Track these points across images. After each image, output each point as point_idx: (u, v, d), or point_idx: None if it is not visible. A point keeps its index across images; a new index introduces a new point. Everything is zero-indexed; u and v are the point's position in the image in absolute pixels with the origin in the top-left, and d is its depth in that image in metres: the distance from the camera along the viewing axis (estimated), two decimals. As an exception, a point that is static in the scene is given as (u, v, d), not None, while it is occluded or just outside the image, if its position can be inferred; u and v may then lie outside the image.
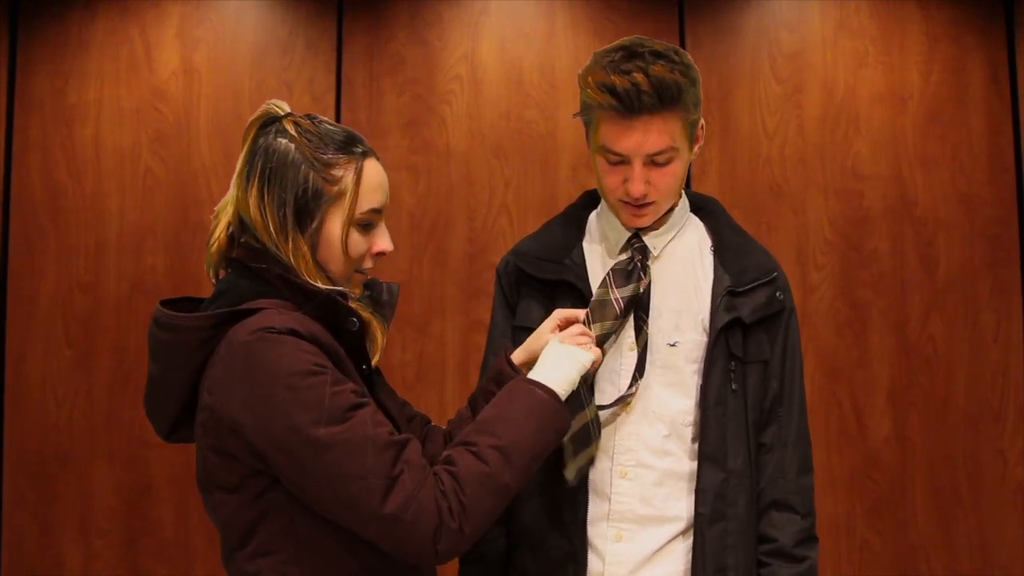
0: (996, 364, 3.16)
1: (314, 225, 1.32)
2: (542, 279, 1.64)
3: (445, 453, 1.29)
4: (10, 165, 3.24)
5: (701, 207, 1.72)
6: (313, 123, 1.36)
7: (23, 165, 3.24)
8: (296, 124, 1.35)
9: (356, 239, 1.35)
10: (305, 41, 3.28)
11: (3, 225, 3.22)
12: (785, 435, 1.63)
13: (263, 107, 1.39)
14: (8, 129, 3.25)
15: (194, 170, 3.21)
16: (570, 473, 1.52)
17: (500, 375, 1.50)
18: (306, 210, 1.32)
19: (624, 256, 1.63)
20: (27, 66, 3.27)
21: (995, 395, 3.15)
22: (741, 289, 1.59)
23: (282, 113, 1.38)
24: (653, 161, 1.52)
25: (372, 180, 1.36)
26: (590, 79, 1.52)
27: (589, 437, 1.52)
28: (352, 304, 1.34)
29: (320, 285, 1.31)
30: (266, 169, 1.33)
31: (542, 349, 1.49)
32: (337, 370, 1.25)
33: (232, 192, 1.37)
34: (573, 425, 1.49)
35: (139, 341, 3.16)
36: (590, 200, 1.75)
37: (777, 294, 1.62)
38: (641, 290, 1.57)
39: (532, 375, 1.41)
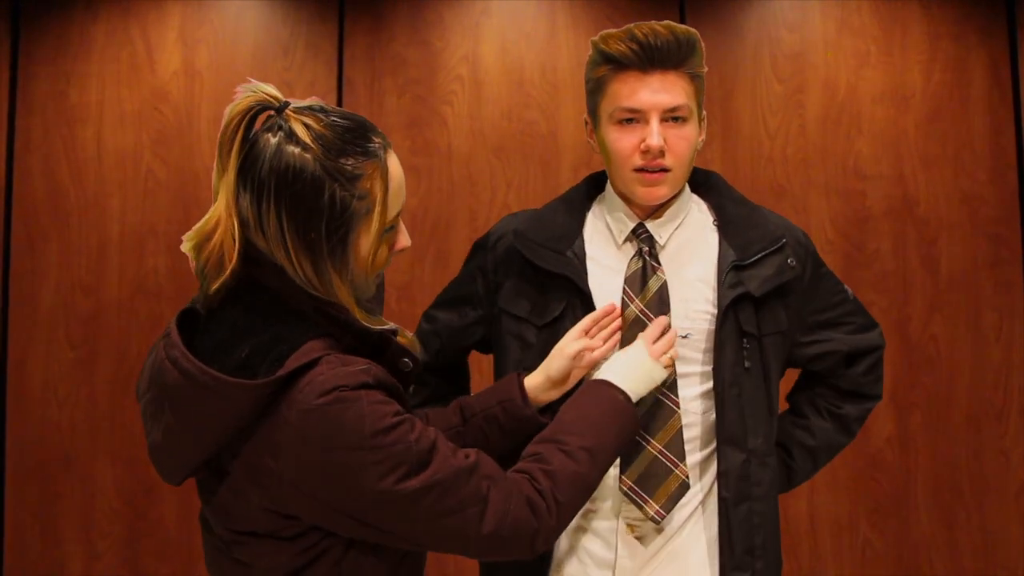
0: (998, 364, 3.15)
1: (347, 251, 1.16)
2: (539, 267, 1.61)
3: (534, 449, 1.28)
4: (12, 166, 3.25)
5: (701, 183, 1.70)
6: (322, 119, 1.16)
7: (25, 166, 3.24)
8: (306, 126, 1.14)
9: (384, 252, 1.22)
10: (306, 42, 3.28)
11: (5, 226, 3.22)
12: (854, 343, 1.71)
13: (249, 94, 1.16)
14: (10, 130, 3.25)
15: (195, 171, 3.21)
16: (652, 510, 1.54)
17: (511, 407, 1.43)
18: (337, 235, 1.14)
19: (631, 253, 1.60)
20: (29, 67, 3.27)
21: (997, 395, 3.15)
22: (747, 262, 1.57)
23: (277, 104, 1.16)
24: (670, 119, 1.54)
25: (397, 181, 1.20)
26: (608, 38, 1.55)
27: (666, 468, 1.55)
28: (401, 340, 1.23)
29: (368, 323, 1.19)
30: (282, 189, 1.12)
31: (561, 369, 1.48)
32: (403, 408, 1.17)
33: (227, 200, 1.16)
34: (634, 470, 1.53)
35: (141, 342, 3.16)
36: (593, 186, 1.71)
37: (789, 261, 1.59)
38: (663, 280, 1.56)
39: (609, 376, 1.41)
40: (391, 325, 1.23)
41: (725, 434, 1.54)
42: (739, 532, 1.53)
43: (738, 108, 3.24)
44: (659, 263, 1.58)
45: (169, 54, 3.27)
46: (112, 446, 3.16)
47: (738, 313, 1.55)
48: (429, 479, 1.13)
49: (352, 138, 1.17)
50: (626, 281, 1.58)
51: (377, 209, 1.17)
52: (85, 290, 3.20)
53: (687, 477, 1.52)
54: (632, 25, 1.56)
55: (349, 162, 1.15)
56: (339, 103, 3.28)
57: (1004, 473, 3.13)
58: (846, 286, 1.74)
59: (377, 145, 1.19)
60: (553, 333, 1.58)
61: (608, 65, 1.55)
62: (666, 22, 1.56)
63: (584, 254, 1.61)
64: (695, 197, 1.68)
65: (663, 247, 1.61)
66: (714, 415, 1.55)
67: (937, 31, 3.24)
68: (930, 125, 3.22)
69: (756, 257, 1.57)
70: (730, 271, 1.56)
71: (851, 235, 3.19)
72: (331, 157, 1.14)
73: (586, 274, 1.59)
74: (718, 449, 1.54)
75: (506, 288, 1.65)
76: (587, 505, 1.56)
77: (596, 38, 1.58)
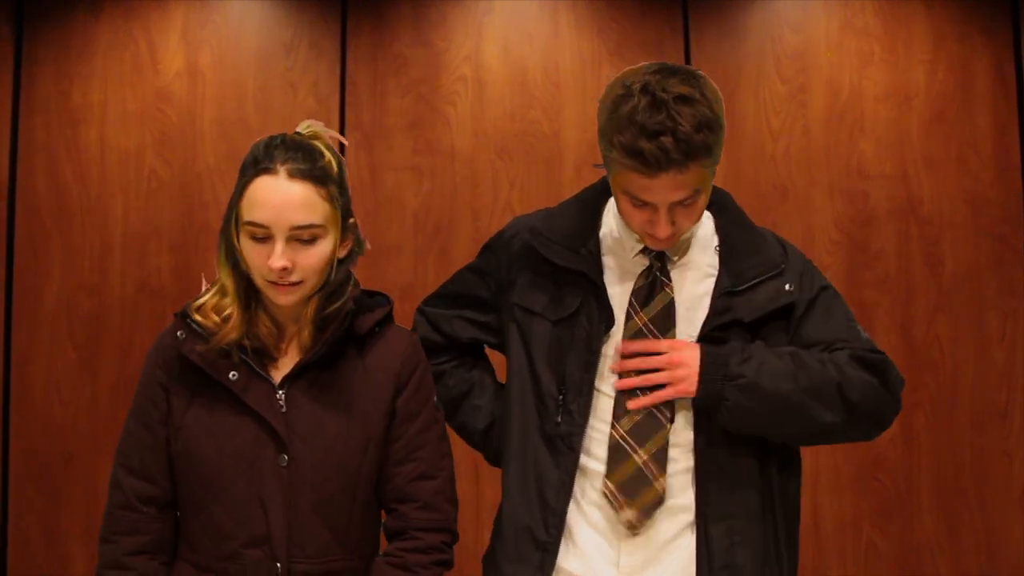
0: (1002, 365, 3.15)
1: (231, 231, 1.49)
2: (555, 264, 1.61)
3: None
4: (15, 167, 3.25)
5: (713, 201, 1.68)
6: (264, 142, 1.50)
7: (28, 167, 3.24)
8: (256, 144, 1.52)
9: (247, 248, 1.47)
10: (309, 42, 3.28)
11: (8, 227, 3.23)
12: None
13: None
14: (13, 131, 3.26)
15: (198, 172, 3.21)
16: (629, 515, 1.53)
17: None
18: (226, 218, 1.50)
19: (643, 263, 1.61)
20: (32, 68, 3.27)
21: (1001, 396, 3.14)
22: (740, 288, 1.57)
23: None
24: (679, 204, 1.50)
25: (253, 194, 1.46)
26: (616, 141, 1.46)
27: (646, 479, 1.53)
28: (193, 323, 1.51)
29: (194, 313, 1.52)
30: None
31: None
32: (164, 380, 1.56)
33: None
34: (618, 476, 1.53)
35: (144, 342, 3.16)
36: (607, 186, 1.69)
37: (787, 287, 1.58)
38: (671, 297, 1.56)
39: None
40: (189, 313, 1.52)
41: (709, 453, 1.54)
42: (718, 548, 1.52)
43: (741, 108, 3.24)
44: (669, 279, 1.59)
45: (172, 54, 3.27)
46: (115, 445, 3.14)
47: (727, 339, 1.55)
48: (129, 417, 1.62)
49: (262, 155, 1.48)
50: (633, 293, 1.59)
51: (235, 205, 1.48)
52: (88, 290, 3.20)
53: (664, 491, 1.53)
54: (639, 131, 1.43)
55: (244, 169, 1.49)
56: (342, 103, 3.28)
57: (1008, 474, 3.12)
58: (859, 325, 1.65)
59: (253, 169, 1.47)
60: (569, 328, 1.60)
61: (620, 165, 1.49)
62: (683, 118, 1.42)
63: (599, 253, 1.62)
64: (707, 213, 1.67)
65: (674, 261, 1.62)
66: (701, 431, 1.55)
67: (941, 31, 3.24)
68: (934, 125, 3.21)
69: (750, 284, 1.57)
70: (721, 297, 1.56)
71: (854, 235, 3.19)
72: (244, 162, 1.50)
73: (602, 271, 1.60)
74: (700, 467, 1.54)
75: (520, 284, 1.66)
76: (591, 502, 1.57)
77: (603, 119, 1.49)
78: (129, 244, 3.21)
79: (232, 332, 1.49)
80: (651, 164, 1.43)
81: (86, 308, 3.20)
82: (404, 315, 3.09)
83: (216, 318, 1.50)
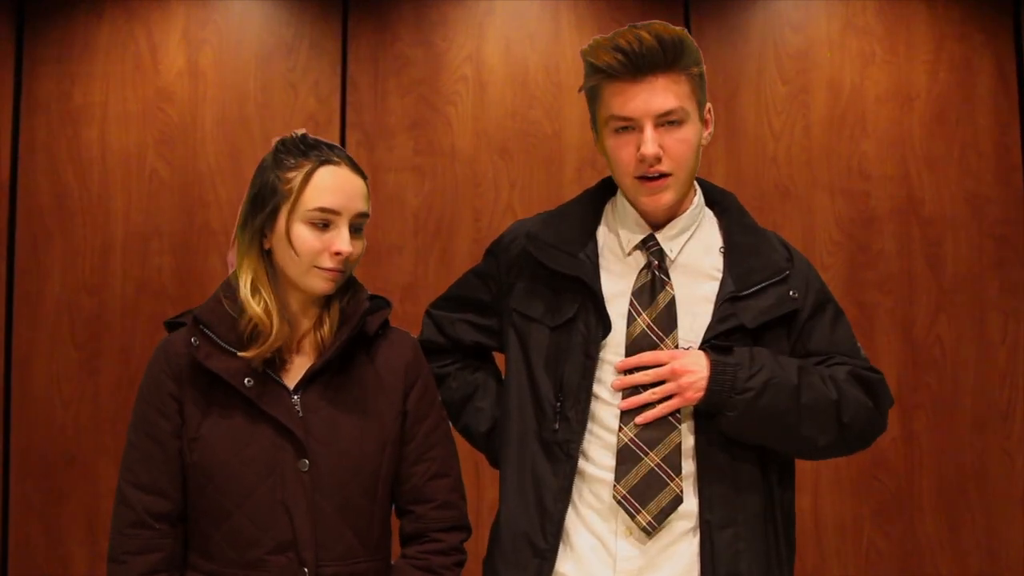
0: (1003, 365, 3.14)
1: (267, 222, 1.49)
2: (551, 270, 1.61)
3: None
4: (16, 167, 3.25)
5: (717, 202, 1.68)
6: (297, 138, 1.51)
7: (29, 167, 3.25)
8: (282, 140, 1.52)
9: (304, 235, 1.47)
10: (310, 42, 3.28)
11: (9, 226, 3.23)
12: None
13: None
14: (14, 131, 3.26)
15: (199, 171, 3.21)
16: (649, 516, 1.51)
17: None
18: (261, 203, 1.49)
19: (639, 263, 1.60)
20: (33, 68, 3.27)
21: (1002, 396, 3.14)
22: (744, 293, 1.56)
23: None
24: (664, 123, 1.51)
25: (322, 182, 1.48)
26: (595, 49, 1.54)
27: (661, 481, 1.51)
28: (204, 329, 1.50)
29: (233, 306, 1.49)
30: (254, 175, 1.54)
31: None
32: (176, 391, 1.52)
33: None
34: (629, 480, 1.51)
35: (145, 342, 3.16)
36: (607, 190, 1.70)
37: (791, 293, 1.57)
38: (672, 295, 1.55)
39: None
40: (195, 314, 1.51)
41: (712, 457, 1.53)
42: (722, 555, 1.51)
43: (742, 108, 3.24)
44: (668, 277, 1.57)
45: (173, 54, 3.27)
46: (116, 445, 3.16)
47: (730, 345, 1.54)
48: (130, 435, 1.57)
49: (303, 148, 1.50)
50: (633, 294, 1.57)
51: (294, 194, 1.48)
52: (89, 290, 3.20)
53: (681, 491, 1.51)
54: (616, 33, 1.54)
55: (289, 160, 1.50)
56: (343, 103, 3.27)
57: (1009, 475, 3.12)
58: (858, 343, 1.66)
59: (317, 156, 1.49)
60: (567, 334, 1.59)
61: (598, 75, 1.54)
62: (656, 24, 1.54)
63: (597, 257, 1.61)
64: (709, 213, 1.66)
65: (673, 260, 1.60)
66: (702, 437, 1.54)
67: (942, 31, 3.23)
68: (935, 125, 3.21)
69: (754, 288, 1.56)
70: (725, 302, 1.55)
71: (856, 236, 3.19)
72: (280, 156, 1.51)
73: (600, 276, 1.59)
74: (703, 472, 1.53)
75: (518, 289, 1.65)
76: (588, 506, 1.57)
77: (584, 49, 1.57)
78: (130, 244, 3.21)
79: (280, 338, 1.49)
80: (630, 56, 1.49)
81: (87, 308, 3.20)
82: (404, 315, 3.09)
83: (265, 318, 1.49)
